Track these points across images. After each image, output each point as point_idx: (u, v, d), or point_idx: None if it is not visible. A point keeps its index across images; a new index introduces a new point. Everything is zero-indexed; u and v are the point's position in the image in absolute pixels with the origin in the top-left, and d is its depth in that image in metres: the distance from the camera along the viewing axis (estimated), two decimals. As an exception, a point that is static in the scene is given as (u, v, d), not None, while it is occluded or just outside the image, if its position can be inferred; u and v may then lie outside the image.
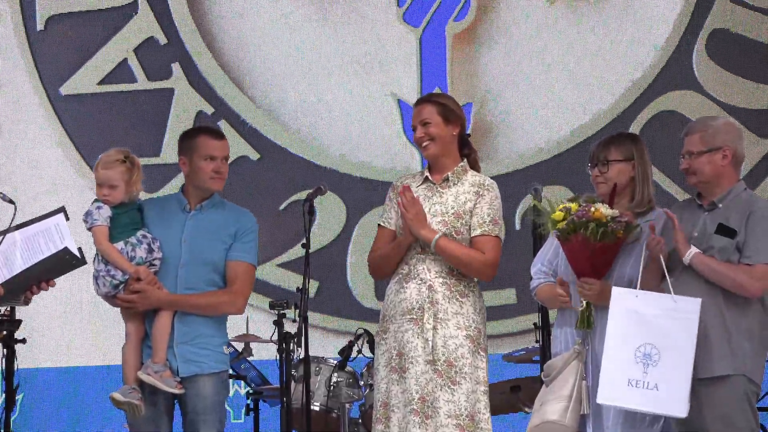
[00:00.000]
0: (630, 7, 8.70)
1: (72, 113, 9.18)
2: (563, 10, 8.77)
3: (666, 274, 5.14)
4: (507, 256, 8.22)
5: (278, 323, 6.60)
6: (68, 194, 8.80)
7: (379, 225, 5.76)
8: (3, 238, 5.08)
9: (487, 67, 8.84)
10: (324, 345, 8.40)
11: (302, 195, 7.74)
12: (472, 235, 5.55)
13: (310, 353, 6.36)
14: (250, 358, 7.56)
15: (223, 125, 8.77)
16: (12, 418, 7.50)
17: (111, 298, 5.62)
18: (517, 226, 8.49)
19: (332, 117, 8.97)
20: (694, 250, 5.17)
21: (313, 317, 7.09)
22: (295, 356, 6.43)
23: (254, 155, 8.98)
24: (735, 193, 5.29)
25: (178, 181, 5.86)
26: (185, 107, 9.10)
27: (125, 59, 9.17)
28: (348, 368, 7.21)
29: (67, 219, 5.21)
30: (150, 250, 5.60)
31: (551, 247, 5.52)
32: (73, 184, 9.02)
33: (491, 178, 5.73)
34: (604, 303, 5.26)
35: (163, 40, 9.16)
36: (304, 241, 6.13)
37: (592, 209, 5.19)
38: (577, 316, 5.33)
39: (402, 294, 5.57)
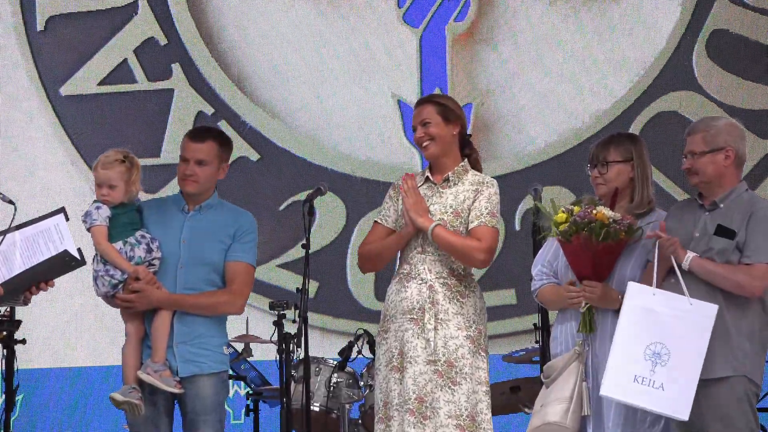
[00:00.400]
0: (630, 8, 8.69)
1: (72, 114, 9.18)
2: (564, 11, 8.77)
3: (679, 274, 5.12)
4: (507, 256, 8.30)
5: (278, 324, 6.61)
6: (68, 195, 8.80)
7: (375, 221, 5.76)
8: (3, 239, 5.08)
9: (487, 68, 8.84)
10: (324, 346, 8.39)
11: (302, 195, 7.75)
12: (470, 227, 5.55)
13: (310, 354, 6.36)
14: (250, 359, 7.56)
15: (223, 126, 8.77)
16: (12, 419, 7.50)
17: (110, 298, 5.63)
18: (517, 227, 8.49)
19: (332, 117, 8.97)
20: (691, 254, 5.17)
21: (313, 318, 7.09)
22: (294, 357, 6.43)
23: (254, 156, 8.98)
24: (737, 193, 5.29)
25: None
26: (185, 108, 9.09)
27: (125, 60, 9.17)
28: (348, 369, 7.22)
29: (67, 219, 5.22)
30: (149, 250, 5.60)
31: (551, 248, 5.52)
32: (73, 184, 9.02)
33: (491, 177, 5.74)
34: (606, 305, 5.26)
35: (163, 40, 9.16)
36: (303, 241, 6.12)
37: (594, 211, 5.19)
38: (577, 316, 5.33)
39: (403, 293, 5.58)
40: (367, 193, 8.70)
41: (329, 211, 8.78)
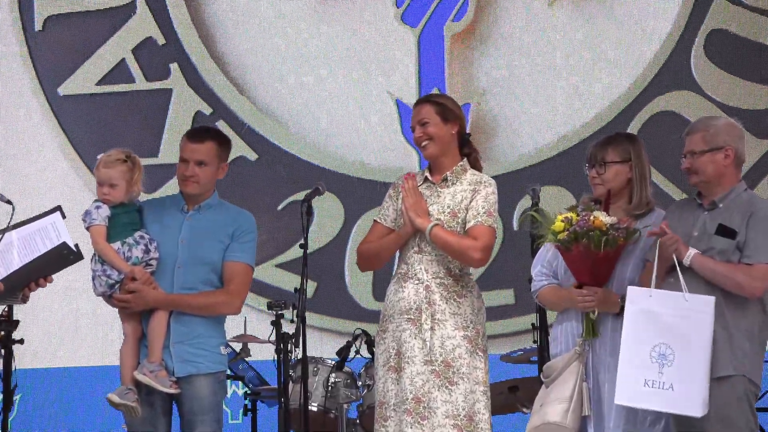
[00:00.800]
0: (628, 8, 8.69)
1: (70, 114, 9.17)
2: (562, 11, 8.77)
3: (679, 271, 5.12)
4: (505, 256, 8.30)
5: (276, 324, 6.61)
6: (66, 194, 8.80)
7: (374, 220, 5.76)
8: (0, 238, 5.08)
9: (485, 68, 8.84)
10: (322, 345, 8.39)
11: (300, 195, 7.72)
12: (467, 227, 5.55)
13: (308, 354, 6.34)
14: (248, 359, 7.56)
15: (222, 126, 8.76)
16: (10, 419, 7.49)
17: (108, 298, 5.62)
18: (515, 227, 8.49)
19: (330, 117, 8.97)
20: (693, 251, 5.17)
21: (311, 318, 7.06)
22: (292, 357, 6.43)
23: (252, 155, 8.98)
24: (736, 193, 5.29)
25: (176, 181, 5.84)
26: (183, 107, 9.09)
27: (123, 59, 9.16)
28: (346, 369, 7.22)
29: (64, 217, 5.21)
30: (147, 251, 5.60)
31: (550, 247, 5.50)
32: (71, 184, 9.02)
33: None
34: (607, 309, 5.25)
35: (161, 40, 9.16)
36: (302, 241, 6.12)
37: (591, 218, 5.17)
38: (577, 316, 5.33)
39: (400, 293, 5.58)
40: (365, 193, 8.70)
41: (327, 211, 8.78)
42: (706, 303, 5.06)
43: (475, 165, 5.72)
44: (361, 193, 8.76)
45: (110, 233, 5.58)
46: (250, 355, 7.51)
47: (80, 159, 9.07)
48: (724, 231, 5.17)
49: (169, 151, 8.83)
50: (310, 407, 6.81)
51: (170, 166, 8.07)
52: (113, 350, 5.89)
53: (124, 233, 5.60)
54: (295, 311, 6.21)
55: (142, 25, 9.17)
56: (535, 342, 6.42)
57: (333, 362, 7.21)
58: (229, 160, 5.89)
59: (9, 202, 5.21)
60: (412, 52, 8.92)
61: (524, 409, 7.14)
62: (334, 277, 8.73)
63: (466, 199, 5.59)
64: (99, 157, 5.71)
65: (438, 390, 5.43)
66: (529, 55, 8.78)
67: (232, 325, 6.32)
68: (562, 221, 5.21)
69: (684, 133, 5.39)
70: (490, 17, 8.87)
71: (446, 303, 5.52)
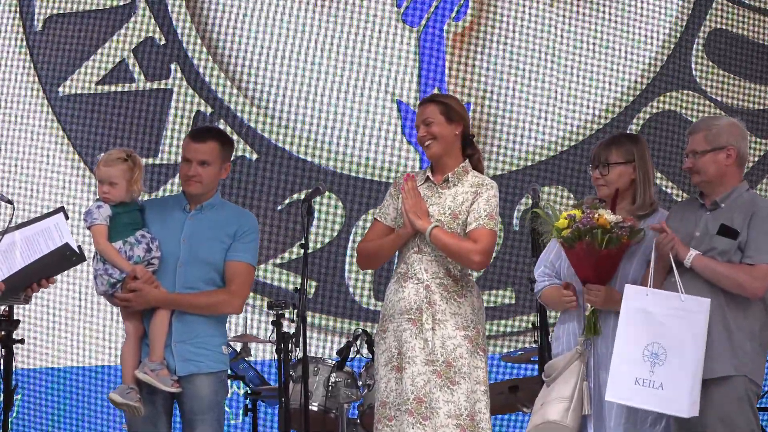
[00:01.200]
0: (629, 8, 8.70)
1: (70, 113, 9.18)
2: (562, 11, 8.77)
3: (675, 270, 5.12)
4: (505, 256, 8.30)
5: (277, 323, 6.61)
6: (67, 194, 8.80)
7: (375, 219, 5.76)
8: (2, 238, 5.08)
9: (485, 67, 8.84)
10: (322, 345, 8.40)
11: (301, 195, 7.73)
12: (468, 229, 5.55)
13: (309, 353, 6.35)
14: (248, 359, 7.56)
15: (222, 125, 8.76)
16: (10, 419, 7.49)
17: (110, 297, 5.63)
18: (516, 227, 8.49)
19: (331, 117, 8.97)
20: (693, 252, 5.17)
21: (312, 317, 7.07)
22: (293, 356, 6.43)
23: (252, 155, 8.98)
24: (738, 192, 5.28)
25: (176, 181, 5.84)
26: (184, 107, 9.09)
27: (123, 59, 9.16)
28: (346, 368, 7.22)
29: (67, 218, 5.21)
30: (148, 250, 5.60)
31: (553, 248, 5.51)
32: (72, 184, 9.02)
33: (490, 178, 5.73)
34: (610, 307, 5.25)
35: (161, 40, 9.16)
36: (302, 241, 6.12)
37: (596, 216, 5.17)
38: (579, 316, 5.33)
39: (400, 293, 5.57)
40: (366, 192, 8.70)
41: (328, 211, 8.78)
42: (701, 304, 5.07)
43: (477, 166, 5.71)
44: (361, 192, 8.76)
45: (111, 232, 5.59)
46: (251, 355, 7.51)
47: (80, 159, 9.07)
48: (726, 231, 5.17)
49: (169, 151, 8.83)
50: (310, 407, 6.81)
51: (170, 165, 8.10)
52: (114, 350, 5.89)
53: (125, 232, 5.60)
54: (295, 311, 6.22)
55: (142, 25, 9.17)
56: (535, 341, 6.43)
57: (333, 362, 7.22)
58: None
59: (9, 201, 5.21)
60: (412, 52, 8.93)
61: (524, 409, 7.15)
62: (335, 277, 8.73)
63: (467, 201, 5.58)
64: (100, 156, 5.72)
65: (440, 390, 5.43)
66: (529, 55, 8.79)
67: (233, 325, 6.31)
68: (566, 218, 5.22)
69: (686, 132, 5.38)
70: (490, 17, 8.87)
71: (446, 303, 5.53)
